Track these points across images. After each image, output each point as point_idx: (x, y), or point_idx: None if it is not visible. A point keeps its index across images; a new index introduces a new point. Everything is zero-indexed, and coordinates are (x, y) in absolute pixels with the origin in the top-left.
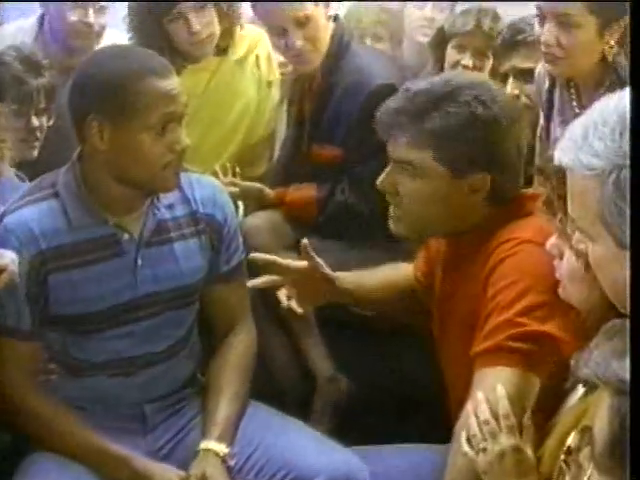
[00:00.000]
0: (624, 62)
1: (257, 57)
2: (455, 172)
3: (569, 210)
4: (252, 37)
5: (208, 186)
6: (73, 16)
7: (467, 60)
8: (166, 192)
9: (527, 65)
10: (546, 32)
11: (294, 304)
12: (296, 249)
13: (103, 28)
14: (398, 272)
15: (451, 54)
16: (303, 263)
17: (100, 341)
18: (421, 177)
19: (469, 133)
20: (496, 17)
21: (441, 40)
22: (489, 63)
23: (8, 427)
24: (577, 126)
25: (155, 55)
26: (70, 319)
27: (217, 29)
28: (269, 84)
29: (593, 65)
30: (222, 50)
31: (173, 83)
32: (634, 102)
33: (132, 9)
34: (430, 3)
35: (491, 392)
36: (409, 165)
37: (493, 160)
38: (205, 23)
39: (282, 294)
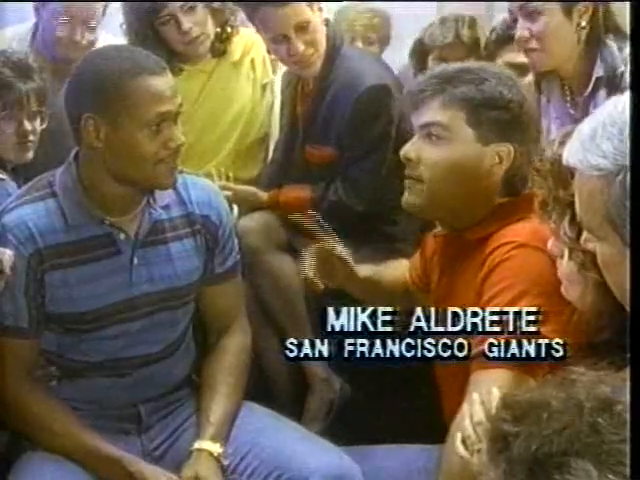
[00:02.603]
0: (605, 48)
1: (252, 60)
2: (482, 137)
3: (577, 210)
4: (247, 40)
5: (204, 188)
6: (61, 32)
7: None
8: (162, 189)
9: (520, 60)
10: (518, 28)
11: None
12: (289, 250)
13: (92, 43)
14: (402, 270)
15: (433, 65)
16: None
17: (95, 341)
18: (449, 141)
19: (499, 98)
20: (473, 23)
21: (421, 51)
22: None
23: (4, 425)
24: (585, 126)
25: (149, 54)
26: (65, 318)
27: (210, 29)
28: (264, 87)
29: (575, 58)
30: (220, 52)
31: (167, 82)
32: (634, 105)
33: (126, 15)
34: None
35: (486, 394)
36: (439, 127)
37: (518, 131)
38: (195, 22)
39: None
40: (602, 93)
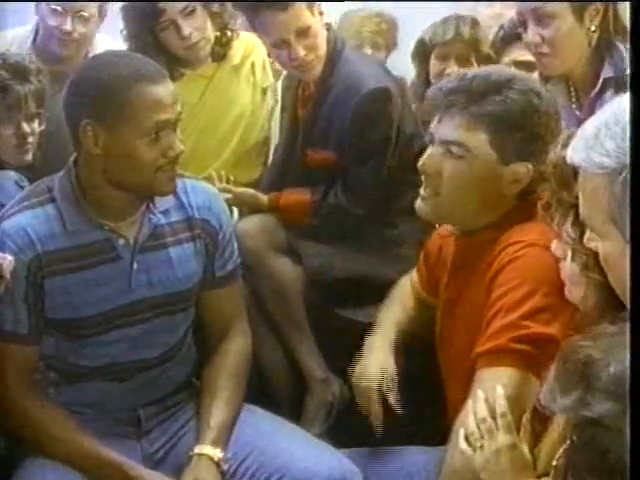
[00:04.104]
0: (614, 51)
1: (252, 64)
2: (503, 158)
3: (580, 208)
4: (248, 44)
5: (203, 192)
6: (52, 21)
7: (451, 68)
8: (162, 196)
9: (527, 58)
10: (529, 32)
11: None
12: (288, 252)
13: (85, 37)
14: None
15: (435, 64)
16: None
17: (95, 346)
18: (468, 160)
19: (525, 121)
20: (475, 23)
21: (423, 51)
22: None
23: (4, 432)
24: (589, 125)
25: (149, 61)
26: (65, 323)
27: (210, 34)
28: (264, 90)
29: (584, 60)
30: (220, 57)
31: (166, 90)
32: (634, 105)
33: (126, 21)
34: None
35: (491, 392)
36: (459, 146)
37: (539, 151)
38: (195, 27)
39: None
40: (609, 94)
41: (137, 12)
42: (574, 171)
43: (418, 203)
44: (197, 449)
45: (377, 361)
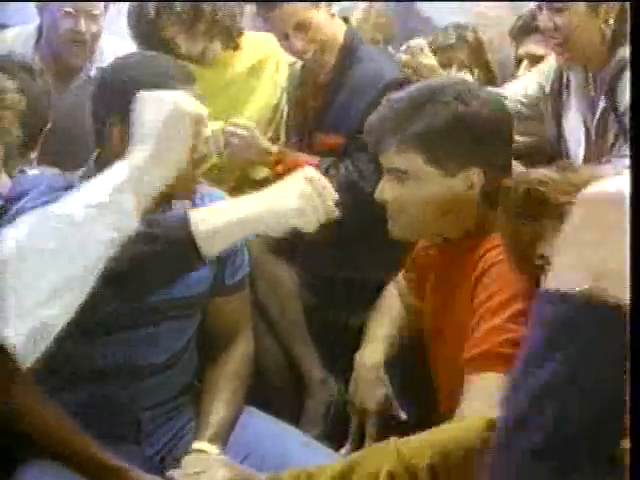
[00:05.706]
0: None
1: (277, 62)
2: (446, 171)
3: None
4: (272, 42)
5: (218, 199)
6: (65, 24)
7: (454, 74)
8: (182, 199)
9: (540, 52)
10: (543, 19)
11: None
12: (286, 254)
13: (95, 36)
14: (398, 310)
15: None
16: None
17: (99, 349)
18: (414, 181)
19: (453, 131)
20: (475, 29)
21: None
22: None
23: (4, 433)
24: None
25: (177, 63)
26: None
27: (208, 38)
28: (284, 89)
29: (600, 51)
30: (234, 46)
31: (194, 93)
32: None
33: (132, 31)
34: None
35: (479, 396)
36: (399, 172)
37: (482, 155)
38: (194, 40)
39: None
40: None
41: (138, 32)
42: None
43: (389, 227)
44: (195, 445)
45: (369, 384)
